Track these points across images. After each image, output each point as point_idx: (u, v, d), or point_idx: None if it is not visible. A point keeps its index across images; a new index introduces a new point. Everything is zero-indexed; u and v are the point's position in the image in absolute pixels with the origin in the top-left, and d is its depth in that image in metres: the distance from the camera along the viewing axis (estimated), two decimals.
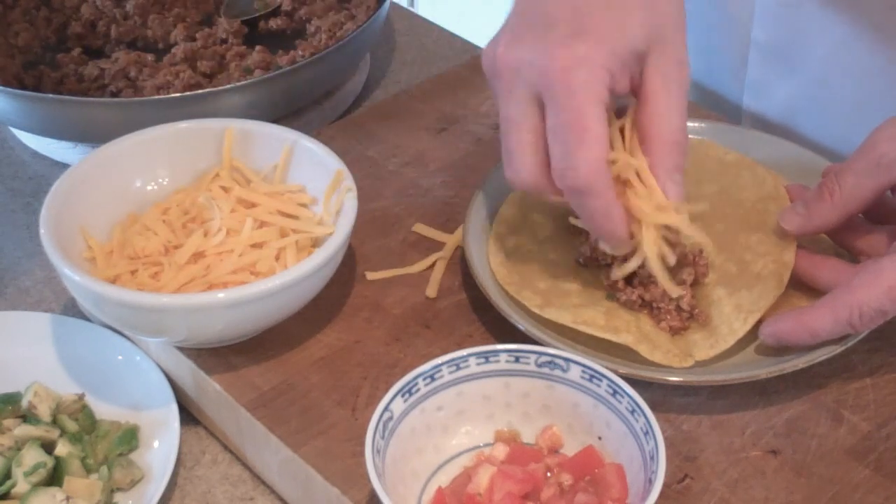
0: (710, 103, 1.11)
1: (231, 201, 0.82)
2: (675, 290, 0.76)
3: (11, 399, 0.78)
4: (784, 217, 0.80)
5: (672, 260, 0.76)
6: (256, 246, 0.80)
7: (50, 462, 0.73)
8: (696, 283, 0.79)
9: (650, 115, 0.73)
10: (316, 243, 0.80)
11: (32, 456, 0.73)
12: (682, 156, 0.74)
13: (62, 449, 0.74)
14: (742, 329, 0.76)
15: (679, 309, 0.78)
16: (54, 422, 0.76)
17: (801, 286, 0.79)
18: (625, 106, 0.76)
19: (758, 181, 0.85)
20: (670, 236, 0.76)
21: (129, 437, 0.76)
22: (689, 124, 0.94)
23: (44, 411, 0.76)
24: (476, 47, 1.21)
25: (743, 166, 0.87)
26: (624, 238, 0.73)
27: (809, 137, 1.03)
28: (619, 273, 0.77)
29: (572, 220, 0.83)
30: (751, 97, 1.07)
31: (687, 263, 0.79)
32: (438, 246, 0.88)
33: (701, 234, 0.75)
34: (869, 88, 0.98)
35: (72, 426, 0.76)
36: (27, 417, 0.77)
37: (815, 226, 0.78)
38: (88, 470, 0.75)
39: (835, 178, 0.77)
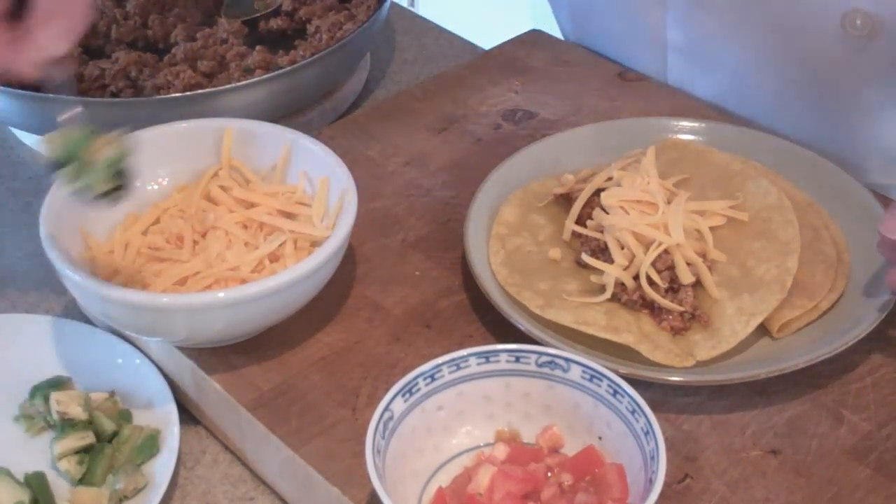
0: None
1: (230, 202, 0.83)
2: (674, 307, 0.77)
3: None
4: (889, 227, 0.73)
5: (691, 279, 0.78)
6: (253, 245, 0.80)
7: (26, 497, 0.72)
8: (697, 285, 0.79)
9: None
10: (316, 243, 0.80)
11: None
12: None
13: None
14: (744, 331, 0.76)
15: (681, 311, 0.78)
16: (90, 422, 0.76)
17: (804, 291, 0.79)
18: None
19: (762, 192, 0.85)
20: (689, 254, 0.78)
21: (150, 445, 0.76)
22: (690, 124, 0.95)
23: (76, 411, 0.76)
24: (476, 47, 1.21)
25: (747, 176, 0.87)
26: (31, 73, 0.70)
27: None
28: (607, 279, 0.79)
29: (574, 228, 0.83)
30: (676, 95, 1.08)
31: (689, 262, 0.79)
32: (439, 246, 0.88)
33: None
34: (785, 78, 0.99)
35: (109, 425, 0.76)
36: (61, 427, 0.76)
37: None
38: (94, 485, 0.74)
39: None
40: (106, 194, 0.73)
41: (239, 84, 0.98)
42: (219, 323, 0.74)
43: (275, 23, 1.16)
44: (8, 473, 0.73)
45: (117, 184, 0.74)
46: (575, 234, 0.84)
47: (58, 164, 0.73)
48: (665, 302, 0.77)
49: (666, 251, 0.78)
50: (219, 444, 0.80)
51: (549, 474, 0.68)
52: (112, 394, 0.79)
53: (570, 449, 0.71)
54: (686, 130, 0.94)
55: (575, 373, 0.70)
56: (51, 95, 1.00)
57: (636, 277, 0.78)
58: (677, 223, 0.79)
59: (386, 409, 0.67)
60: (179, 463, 0.77)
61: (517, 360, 0.71)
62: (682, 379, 0.74)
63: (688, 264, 0.79)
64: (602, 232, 0.81)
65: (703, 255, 0.80)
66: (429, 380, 0.70)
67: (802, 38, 0.94)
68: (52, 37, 0.70)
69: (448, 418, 0.71)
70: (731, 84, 1.03)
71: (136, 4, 1.16)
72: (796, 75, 0.98)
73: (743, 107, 1.03)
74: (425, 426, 0.70)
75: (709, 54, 1.03)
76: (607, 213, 0.81)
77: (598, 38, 1.13)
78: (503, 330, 0.78)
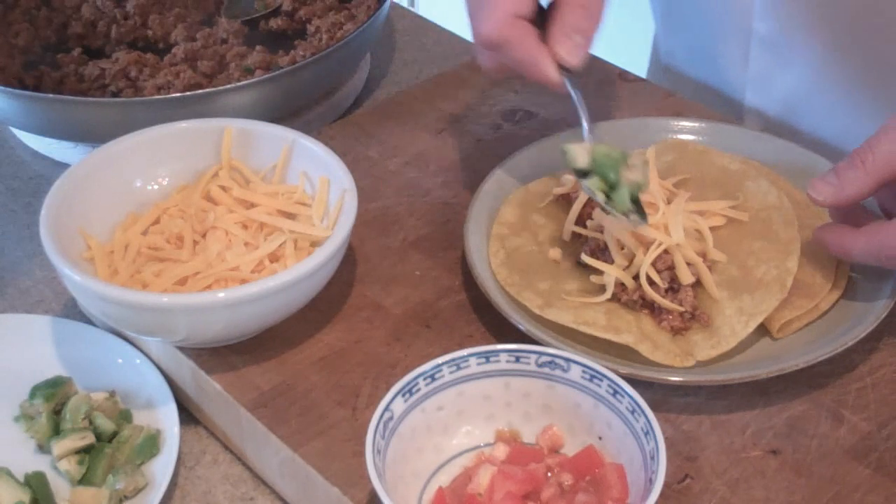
0: (712, 99, 1.11)
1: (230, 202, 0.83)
2: (674, 307, 0.77)
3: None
4: (814, 187, 0.78)
5: (690, 279, 0.78)
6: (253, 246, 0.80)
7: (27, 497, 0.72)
8: (697, 285, 0.79)
9: None
10: (316, 243, 0.80)
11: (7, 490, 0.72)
12: (587, 20, 0.79)
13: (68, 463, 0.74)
14: (744, 331, 0.76)
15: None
16: (90, 421, 0.76)
17: (804, 291, 0.79)
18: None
19: (762, 192, 0.85)
20: (689, 254, 0.78)
21: (150, 445, 0.76)
22: (690, 124, 0.95)
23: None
24: None
25: (747, 176, 0.87)
26: (554, 78, 0.79)
27: (809, 132, 1.03)
28: (607, 279, 0.79)
29: (574, 228, 0.83)
30: (753, 91, 1.07)
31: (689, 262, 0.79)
32: (439, 246, 0.88)
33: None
34: (869, 78, 0.98)
35: (109, 425, 0.76)
36: (59, 430, 0.76)
37: (848, 195, 0.77)
38: (95, 485, 0.74)
39: (867, 147, 0.76)
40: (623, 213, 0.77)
41: (239, 84, 0.98)
42: (219, 323, 0.74)
43: (275, 23, 1.16)
44: (8, 473, 0.73)
45: (635, 208, 0.77)
46: (575, 235, 0.84)
47: (581, 172, 0.79)
48: (665, 302, 0.77)
49: (666, 251, 0.78)
50: (219, 444, 0.80)
51: (549, 474, 0.68)
52: (112, 394, 0.79)
53: (570, 449, 0.71)
54: (686, 130, 0.94)
55: (575, 373, 0.70)
56: (50, 95, 1.01)
57: (636, 277, 0.78)
58: (677, 223, 0.79)
59: (386, 409, 0.67)
60: (179, 463, 0.77)
61: (517, 360, 0.71)
62: (682, 379, 0.74)
63: (688, 264, 0.78)
64: (601, 232, 0.81)
65: (704, 256, 0.80)
66: (429, 380, 0.70)
67: (891, 32, 0.93)
68: (569, 51, 0.78)
69: (448, 418, 0.71)
70: (812, 79, 1.02)
71: (136, 4, 1.16)
72: (880, 71, 0.96)
73: (822, 103, 1.01)
74: (425, 426, 0.70)
75: (793, 46, 1.01)
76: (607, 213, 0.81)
77: (686, 28, 1.12)
78: (503, 330, 0.78)
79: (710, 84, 1.12)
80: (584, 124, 0.81)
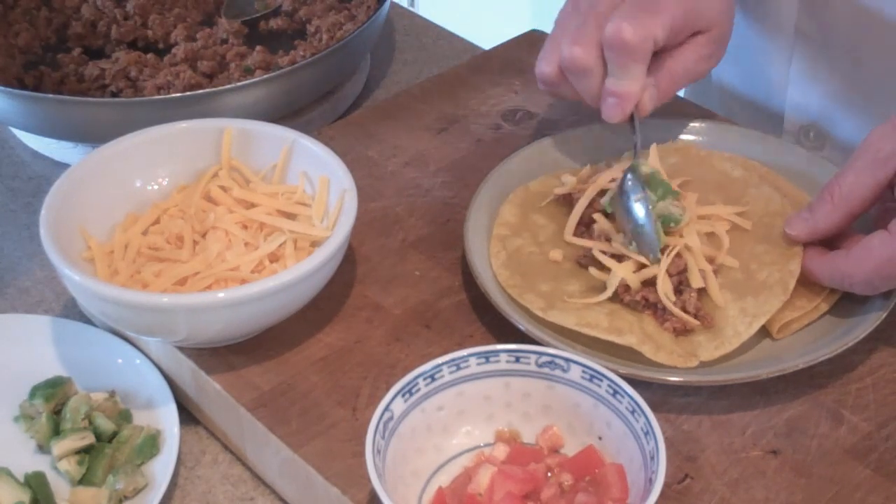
0: (753, 93, 1.11)
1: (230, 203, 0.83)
2: (688, 319, 0.77)
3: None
4: (790, 224, 0.81)
5: (700, 283, 0.78)
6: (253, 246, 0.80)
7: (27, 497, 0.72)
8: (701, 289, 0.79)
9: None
10: (316, 243, 0.80)
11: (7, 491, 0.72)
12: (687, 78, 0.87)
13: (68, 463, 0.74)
14: (747, 332, 0.76)
15: (684, 310, 0.78)
16: (90, 421, 0.76)
17: (804, 292, 0.79)
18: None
19: (765, 198, 0.85)
20: (700, 260, 0.78)
21: (150, 445, 0.76)
22: (691, 124, 0.95)
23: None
24: (476, 47, 1.21)
25: (749, 183, 0.87)
26: (626, 113, 0.82)
27: (850, 133, 1.02)
28: (614, 281, 0.78)
29: (574, 240, 0.83)
30: (796, 87, 1.06)
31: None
32: (439, 246, 0.88)
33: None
34: None
35: (109, 425, 0.76)
36: (59, 430, 0.76)
37: (821, 229, 0.79)
38: (95, 485, 0.74)
39: (835, 180, 0.78)
40: None
41: (239, 84, 0.98)
42: (219, 323, 0.74)
43: (275, 23, 1.16)
44: (8, 473, 0.73)
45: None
46: (576, 234, 0.84)
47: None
48: (677, 311, 0.77)
49: (678, 255, 0.78)
50: (219, 444, 0.80)
51: (549, 474, 0.68)
52: (112, 394, 0.79)
53: (570, 449, 0.71)
54: (686, 130, 0.94)
55: (575, 373, 0.70)
56: (50, 95, 1.01)
57: (644, 281, 0.78)
58: (692, 228, 0.79)
59: (386, 409, 0.67)
60: (179, 463, 0.77)
61: (517, 360, 0.71)
62: (681, 379, 0.74)
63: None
64: (609, 239, 0.81)
65: (711, 260, 0.79)
66: (429, 380, 0.70)
67: None
68: (651, 97, 0.84)
69: (448, 418, 0.71)
70: (854, 80, 1.01)
71: (136, 5, 1.16)
72: None
73: (863, 105, 1.01)
74: (425, 426, 0.70)
75: (837, 45, 1.01)
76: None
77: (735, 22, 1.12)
78: (503, 330, 0.78)
79: (753, 78, 1.11)
80: (637, 152, 0.84)
